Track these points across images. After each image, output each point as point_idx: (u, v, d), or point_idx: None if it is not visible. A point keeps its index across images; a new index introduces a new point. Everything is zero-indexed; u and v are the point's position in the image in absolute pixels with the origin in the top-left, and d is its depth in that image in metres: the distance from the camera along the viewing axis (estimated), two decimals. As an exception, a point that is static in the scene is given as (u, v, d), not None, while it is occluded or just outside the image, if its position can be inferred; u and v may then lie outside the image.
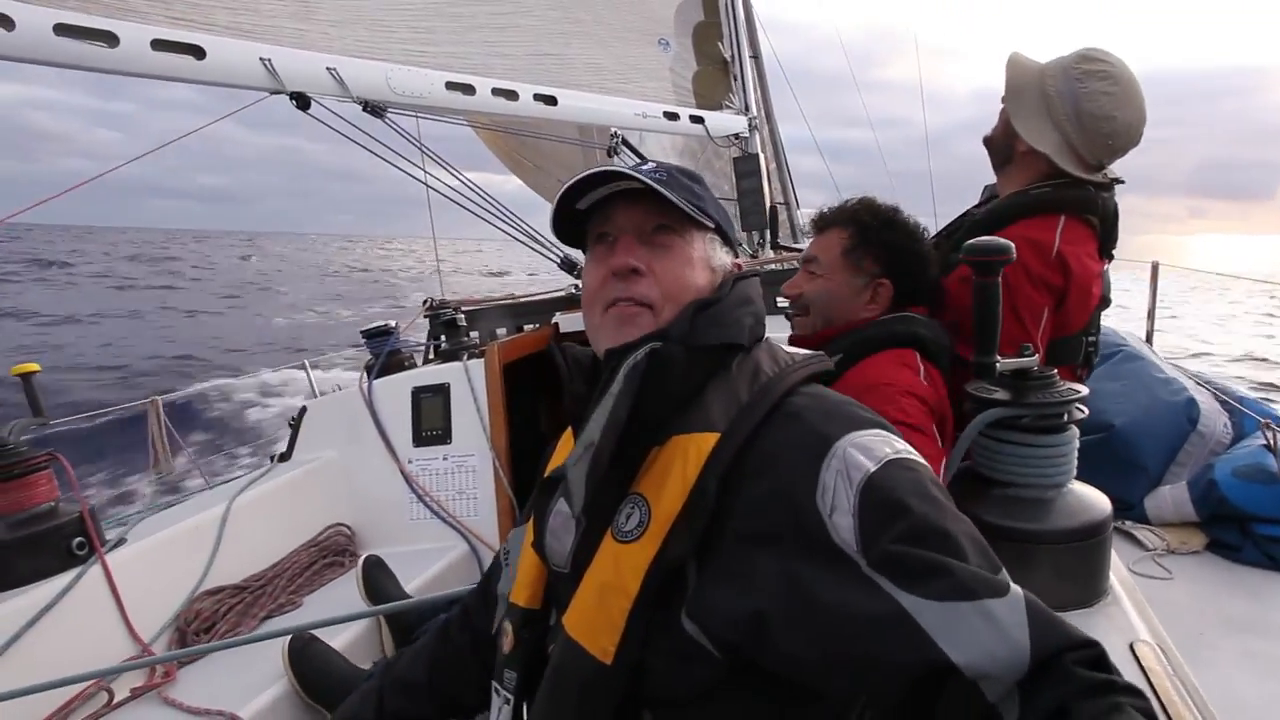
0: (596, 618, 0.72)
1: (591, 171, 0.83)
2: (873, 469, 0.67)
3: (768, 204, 4.28)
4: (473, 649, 1.06)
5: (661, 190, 0.80)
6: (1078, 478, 1.27)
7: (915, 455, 0.72)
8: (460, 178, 2.99)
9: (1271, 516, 1.84)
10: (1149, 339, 3.00)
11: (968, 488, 1.17)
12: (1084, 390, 1.13)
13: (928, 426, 1.18)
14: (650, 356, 0.76)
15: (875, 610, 0.62)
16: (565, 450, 0.93)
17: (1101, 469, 2.03)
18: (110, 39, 2.01)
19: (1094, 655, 0.60)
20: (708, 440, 0.73)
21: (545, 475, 0.89)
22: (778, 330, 1.66)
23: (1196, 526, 1.98)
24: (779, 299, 1.50)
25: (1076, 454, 1.15)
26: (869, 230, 1.38)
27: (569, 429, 0.94)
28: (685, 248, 0.85)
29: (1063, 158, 1.49)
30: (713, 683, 0.71)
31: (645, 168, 0.85)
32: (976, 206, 1.72)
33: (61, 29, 1.92)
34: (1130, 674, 0.93)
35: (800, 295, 1.42)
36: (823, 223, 1.44)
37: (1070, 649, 0.59)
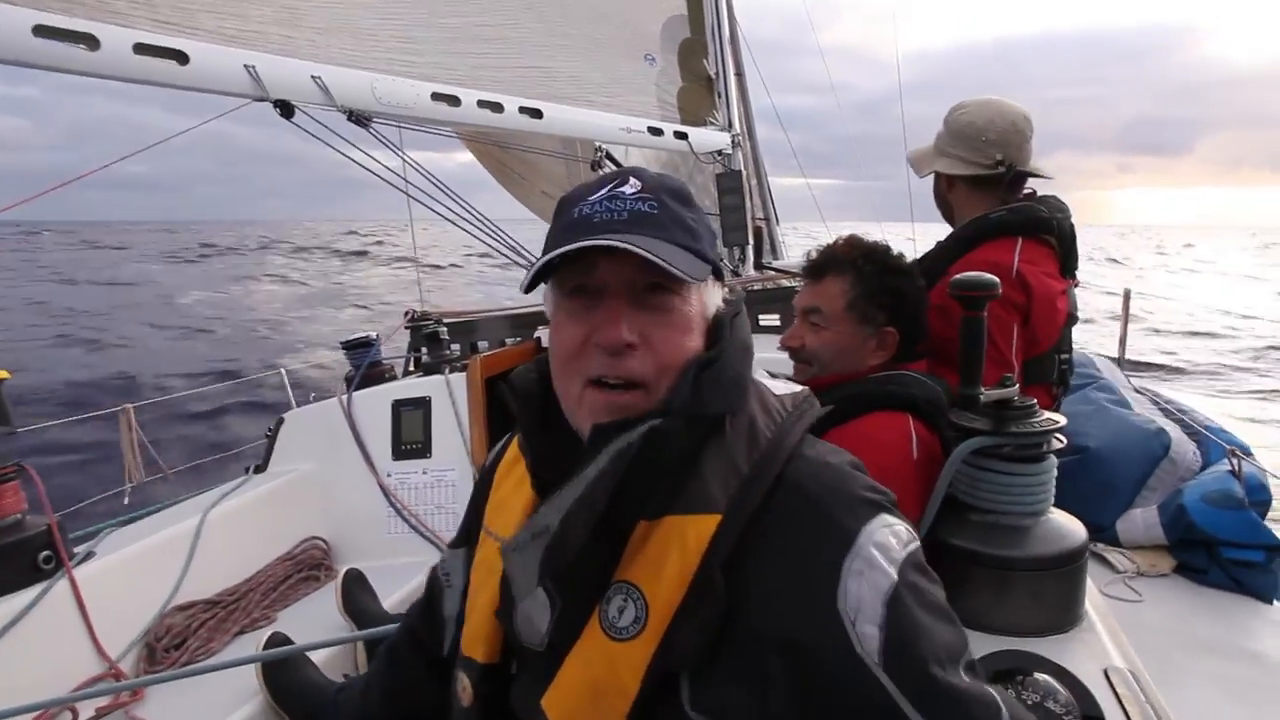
0: (589, 715, 0.68)
1: (581, 244, 0.69)
2: (896, 578, 0.65)
3: (749, 221, 4.33)
4: (426, 669, 1.01)
5: (659, 261, 0.67)
6: (1055, 500, 1.30)
7: (912, 535, 0.71)
8: (444, 189, 2.98)
9: (1237, 541, 1.90)
10: (1120, 364, 3.07)
11: (949, 514, 1.19)
12: (1062, 420, 1.16)
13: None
14: (646, 438, 0.67)
15: None
16: (511, 499, 0.84)
17: (1075, 491, 2.07)
18: (91, 41, 1.97)
19: None
20: (707, 523, 0.67)
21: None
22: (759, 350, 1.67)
23: (1166, 550, 2.03)
24: (779, 349, 1.47)
25: (1054, 482, 1.18)
26: (870, 278, 1.34)
27: (506, 462, 0.89)
28: (684, 309, 0.73)
29: (956, 166, 1.66)
30: None
31: (627, 193, 0.73)
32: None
33: (41, 30, 1.89)
34: (1105, 700, 0.95)
35: (803, 347, 1.38)
36: (817, 271, 1.39)
37: None
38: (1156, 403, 2.50)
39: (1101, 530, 2.06)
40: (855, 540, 0.66)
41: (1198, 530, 1.92)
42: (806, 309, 1.38)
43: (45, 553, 1.60)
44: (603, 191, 0.74)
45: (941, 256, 1.63)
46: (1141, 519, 2.04)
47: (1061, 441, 1.15)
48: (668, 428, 0.67)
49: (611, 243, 0.67)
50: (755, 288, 3.24)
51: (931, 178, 1.77)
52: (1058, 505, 1.19)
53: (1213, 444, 2.18)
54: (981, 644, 1.05)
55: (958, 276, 1.09)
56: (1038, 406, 1.17)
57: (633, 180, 0.75)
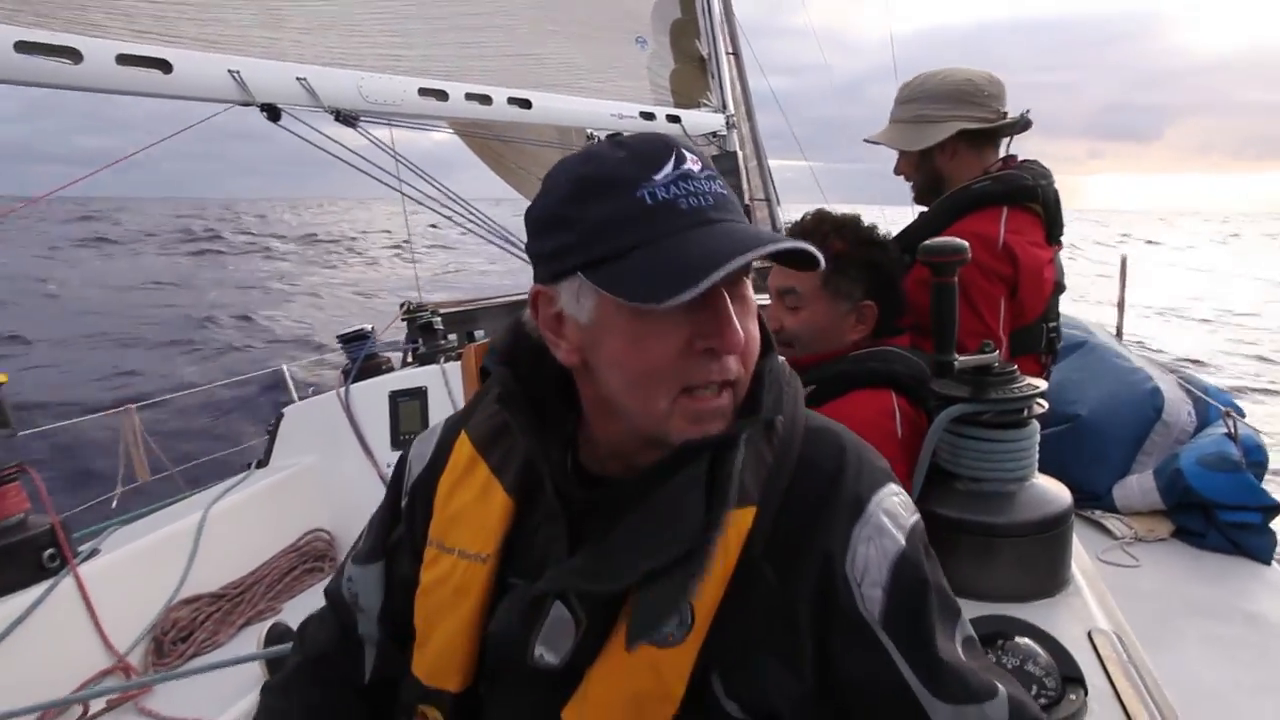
0: None
1: (781, 247, 0.62)
2: (903, 543, 0.66)
3: (748, 202, 4.32)
4: (356, 694, 0.88)
5: (818, 254, 0.62)
6: (1046, 468, 1.29)
7: (916, 512, 0.71)
8: (436, 185, 2.98)
9: (1234, 503, 1.89)
10: (1119, 332, 3.05)
11: (934, 483, 1.19)
12: (1043, 385, 1.15)
13: None
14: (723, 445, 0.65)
15: (897, 702, 0.64)
16: (474, 511, 0.76)
17: (1068, 459, 2.07)
18: (74, 55, 1.96)
19: None
20: (745, 517, 0.65)
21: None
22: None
23: (1163, 514, 2.02)
24: None
25: (1037, 448, 1.17)
26: (842, 254, 1.31)
27: (452, 472, 0.80)
28: (750, 294, 0.68)
29: (970, 123, 1.60)
30: None
31: (698, 174, 0.64)
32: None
33: (23, 46, 1.88)
34: (1087, 661, 0.96)
35: (782, 329, 1.34)
36: None
37: None
38: (1153, 363, 2.47)
39: (1098, 498, 2.06)
40: (866, 508, 0.67)
41: (1194, 494, 1.91)
42: (781, 289, 1.35)
43: (49, 551, 1.63)
44: (666, 170, 0.63)
45: (924, 229, 1.59)
46: (1138, 484, 2.04)
47: (1043, 406, 1.15)
48: (753, 434, 0.66)
49: (806, 246, 0.62)
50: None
51: (892, 159, 1.73)
52: (1052, 473, 1.19)
53: (1209, 405, 2.17)
54: (967, 610, 1.05)
55: (926, 242, 1.09)
56: (1018, 371, 1.17)
57: (688, 155, 0.64)
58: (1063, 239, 1.68)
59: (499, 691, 0.75)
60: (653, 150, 0.63)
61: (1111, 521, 2.01)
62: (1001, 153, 1.68)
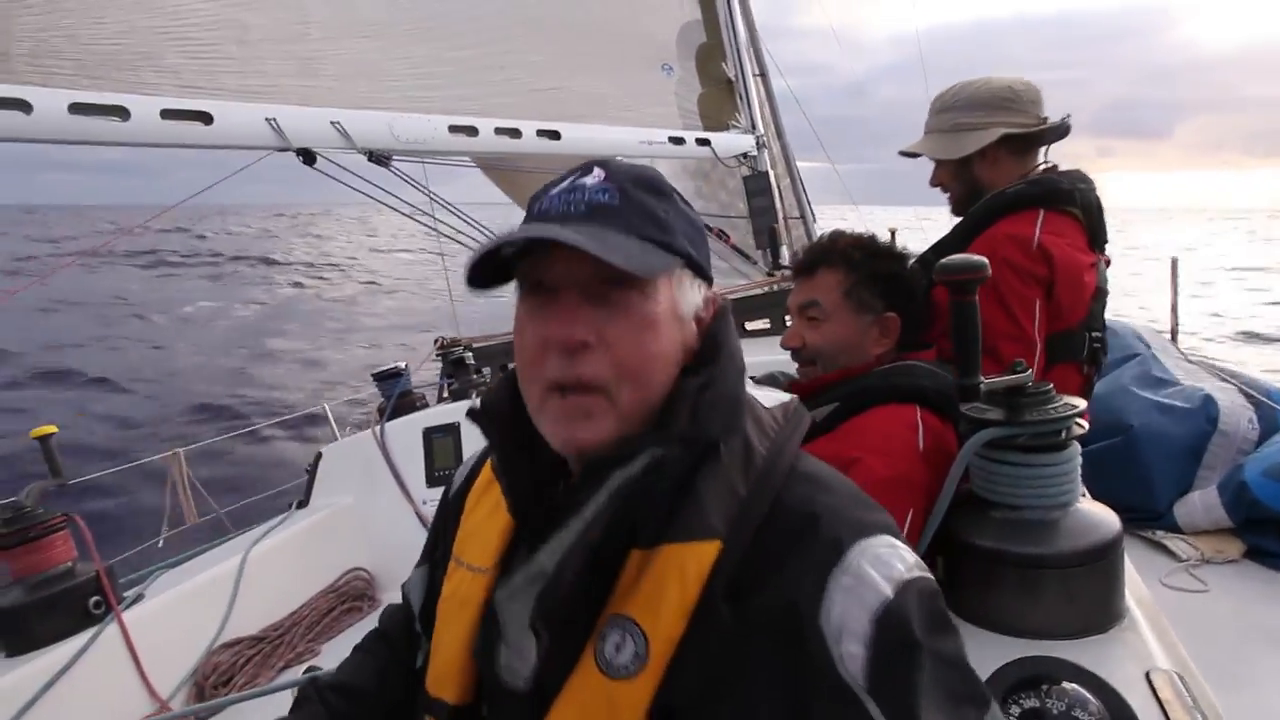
0: None
1: (523, 235, 0.65)
2: (890, 595, 0.60)
3: (781, 220, 4.28)
4: (409, 673, 0.93)
5: (594, 252, 0.60)
6: (1096, 486, 1.21)
7: (925, 571, 0.65)
8: (467, 220, 3.02)
9: (1311, 518, 1.75)
10: (1174, 335, 2.89)
11: (968, 512, 1.13)
12: (1082, 404, 1.09)
13: (895, 493, 1.09)
14: (645, 468, 0.63)
15: None
16: (484, 526, 0.80)
17: (1120, 476, 1.95)
18: (122, 113, 2.06)
19: None
20: (707, 550, 0.63)
21: (494, 572, 0.76)
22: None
23: (1233, 533, 1.88)
24: (782, 345, 1.43)
25: (1079, 471, 1.10)
26: (862, 265, 1.32)
27: (478, 489, 0.85)
28: (645, 305, 0.66)
29: (1013, 128, 1.58)
30: None
31: (588, 184, 0.68)
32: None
33: (76, 108, 1.98)
34: (1144, 706, 0.88)
35: (805, 345, 1.35)
36: (809, 267, 1.37)
37: None
38: (1211, 371, 2.33)
39: (1159, 517, 1.94)
40: (846, 553, 0.61)
41: (1263, 508, 1.78)
42: (803, 305, 1.35)
43: (95, 598, 1.67)
44: (565, 184, 0.69)
45: (960, 236, 1.59)
46: (1200, 501, 1.91)
47: (1083, 427, 1.08)
48: (667, 456, 0.63)
49: (543, 235, 0.63)
50: (743, 294, 3.21)
51: (927, 168, 1.71)
52: (1104, 491, 1.11)
53: (1277, 412, 2.02)
54: (1010, 649, 0.99)
55: (943, 260, 1.04)
56: (1054, 391, 1.10)
57: (596, 170, 0.70)
58: (1107, 247, 1.62)
59: (494, 711, 0.75)
60: (572, 169, 0.71)
61: (1175, 542, 1.89)
62: (1040, 159, 1.65)
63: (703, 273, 0.74)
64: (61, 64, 2.05)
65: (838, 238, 1.37)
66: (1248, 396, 2.09)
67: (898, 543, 0.65)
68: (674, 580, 0.63)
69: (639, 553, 0.65)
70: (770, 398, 0.77)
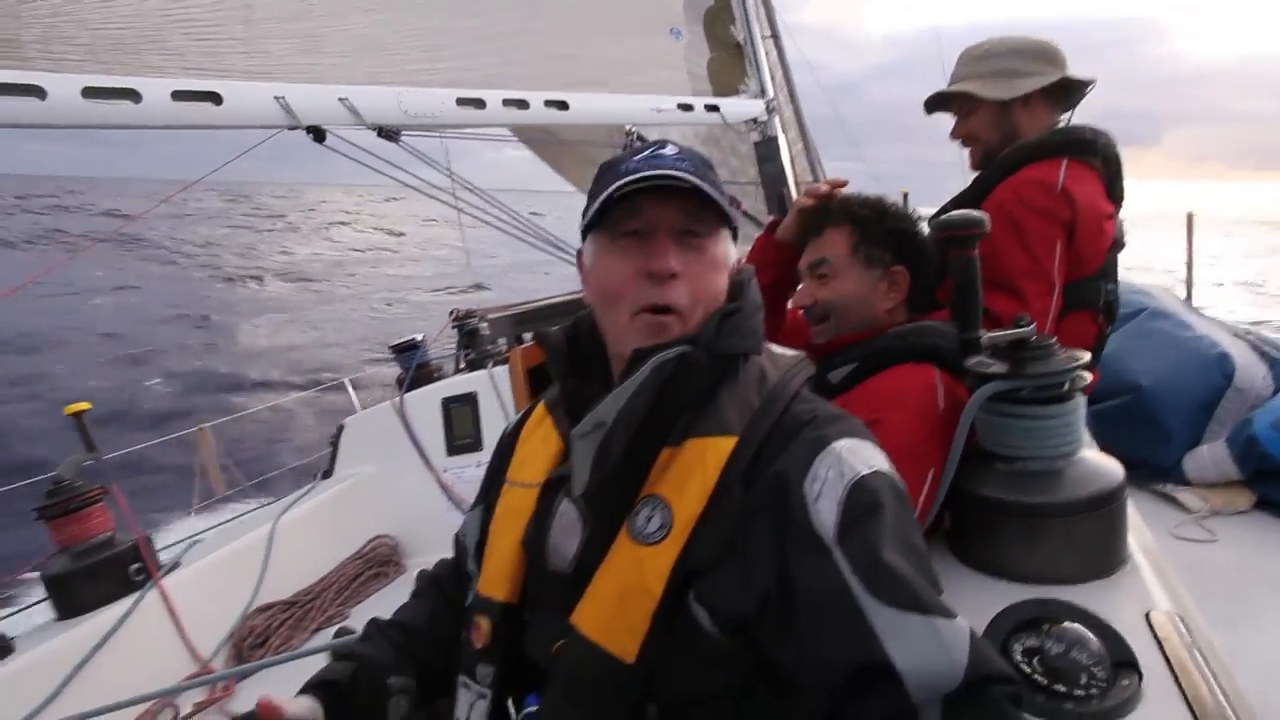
0: (617, 620, 0.73)
1: (643, 175, 0.79)
2: (864, 472, 0.72)
3: (792, 186, 4.24)
4: (459, 610, 1.01)
5: (710, 191, 0.79)
6: (1111, 441, 1.23)
7: (896, 475, 0.76)
8: (484, 196, 3.03)
9: (1320, 469, 1.76)
10: (1189, 293, 2.87)
11: (975, 465, 1.15)
12: (1085, 356, 1.10)
13: (918, 451, 1.13)
14: (678, 360, 0.77)
15: (836, 603, 0.66)
16: (537, 451, 0.92)
17: (1133, 431, 1.96)
18: (134, 95, 2.08)
19: (1017, 692, 0.64)
20: (725, 444, 0.76)
21: (545, 479, 0.87)
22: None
23: (1243, 485, 1.89)
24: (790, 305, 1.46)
25: (1082, 422, 1.12)
26: (868, 222, 1.34)
27: (528, 428, 0.97)
28: (713, 250, 0.84)
29: (1053, 76, 1.60)
30: (722, 679, 0.73)
31: (668, 154, 0.83)
32: None
33: (90, 92, 2.00)
34: (1144, 646, 0.91)
35: (816, 303, 1.36)
36: (815, 228, 1.39)
37: (1000, 681, 0.63)
38: (1225, 328, 2.31)
39: (1169, 470, 1.95)
40: (832, 443, 0.74)
41: (1273, 460, 1.79)
42: (812, 264, 1.37)
43: (135, 565, 1.74)
44: (646, 153, 0.84)
45: (984, 183, 1.61)
46: (1210, 454, 1.92)
47: (1085, 379, 1.10)
48: (695, 357, 0.77)
49: (676, 173, 0.78)
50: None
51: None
52: (1117, 446, 1.13)
53: (1290, 367, 2.02)
54: (1015, 594, 1.02)
55: (941, 217, 1.05)
56: (1057, 344, 1.12)
57: (669, 145, 0.85)
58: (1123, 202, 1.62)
59: (536, 609, 0.86)
60: (643, 145, 0.85)
61: (1185, 495, 1.90)
62: (1063, 120, 1.66)
63: (736, 234, 0.89)
64: (72, 49, 2.06)
65: (847, 196, 1.39)
66: (1261, 353, 2.08)
67: (876, 449, 0.78)
68: (697, 466, 0.75)
69: (668, 450, 0.78)
70: (784, 351, 0.91)
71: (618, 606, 0.74)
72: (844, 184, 1.46)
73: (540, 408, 0.98)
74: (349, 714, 0.94)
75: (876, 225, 1.34)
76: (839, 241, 1.35)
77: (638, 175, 0.79)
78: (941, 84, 1.72)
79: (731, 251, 0.88)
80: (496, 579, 0.88)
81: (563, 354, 0.87)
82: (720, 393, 0.80)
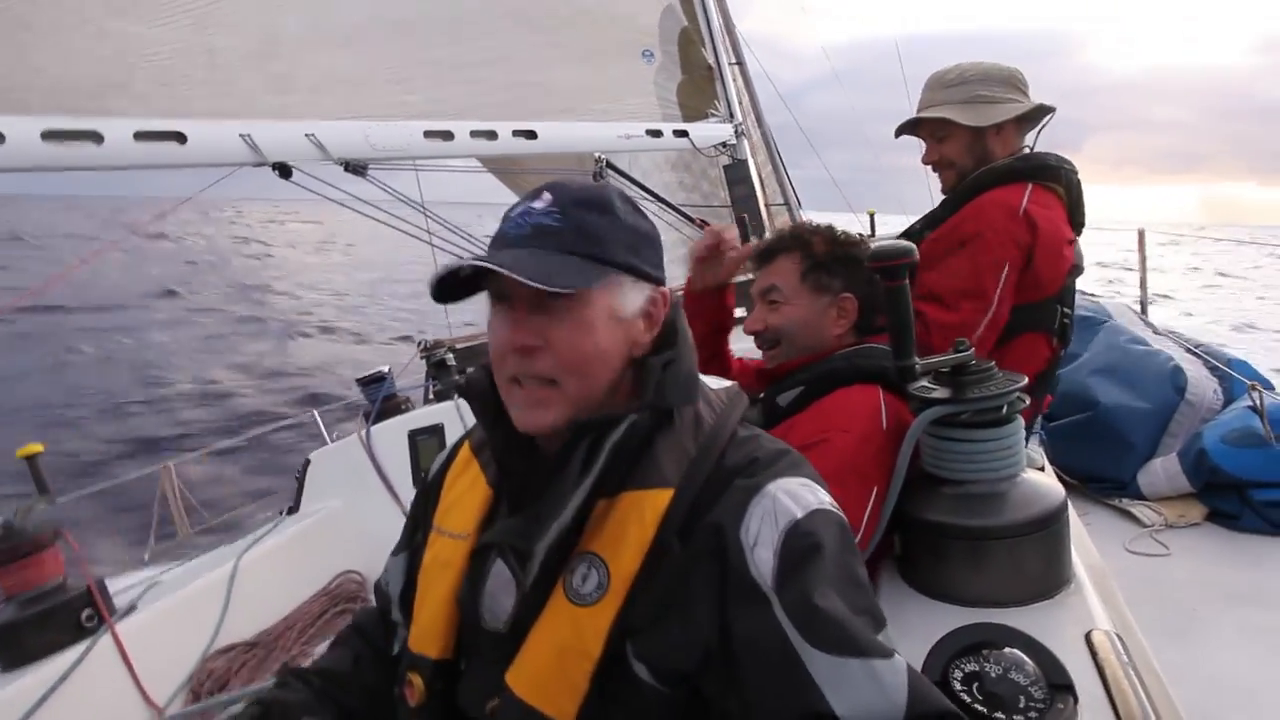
0: (554, 680, 0.73)
1: (453, 266, 0.76)
2: (799, 515, 0.72)
3: (764, 209, 4.29)
4: (382, 659, 1.01)
5: (514, 274, 0.72)
6: (1068, 459, 1.24)
7: (837, 509, 0.76)
8: (456, 231, 3.03)
9: (1268, 480, 1.79)
10: (1143, 308, 2.93)
11: (920, 488, 1.17)
12: (1023, 379, 1.13)
13: (862, 470, 1.16)
14: (629, 428, 0.75)
15: (775, 655, 0.66)
16: (464, 498, 0.90)
17: (1090, 448, 2.00)
18: (96, 137, 2.07)
19: None
20: (662, 497, 0.75)
21: (477, 538, 0.85)
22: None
23: (1195, 498, 1.93)
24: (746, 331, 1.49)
25: (1023, 444, 1.15)
26: (818, 249, 1.38)
27: (454, 469, 0.96)
28: (582, 311, 0.77)
29: (1023, 107, 1.65)
30: None
31: (536, 208, 0.79)
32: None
33: (49, 135, 1.98)
34: (1083, 667, 0.92)
35: (767, 329, 1.40)
36: (767, 254, 1.43)
37: (938, 718, 0.65)
38: (1178, 342, 2.37)
39: (1124, 486, 1.97)
40: (764, 488, 0.74)
41: (1223, 473, 1.82)
42: (763, 290, 1.41)
43: (87, 611, 1.70)
44: (521, 207, 0.81)
45: (949, 208, 1.67)
46: (1162, 468, 1.95)
47: (1025, 401, 1.12)
48: (642, 423, 0.76)
49: (476, 264, 0.74)
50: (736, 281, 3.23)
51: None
52: (1074, 463, 1.15)
53: (1235, 381, 2.06)
54: (960, 618, 1.03)
55: (874, 247, 1.08)
56: (995, 368, 1.14)
57: (545, 194, 0.81)
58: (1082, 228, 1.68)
59: (470, 664, 0.85)
60: (532, 192, 0.82)
61: (1140, 509, 1.93)
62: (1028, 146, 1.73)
63: (647, 275, 0.83)
64: (31, 97, 2.05)
65: (800, 226, 1.44)
66: (1212, 368, 2.13)
67: (814, 484, 0.77)
68: (634, 521, 0.74)
69: (604, 502, 0.76)
70: (716, 382, 0.91)
71: (555, 667, 0.73)
72: (733, 234, 1.52)
73: (466, 449, 0.96)
74: None
75: (826, 253, 1.38)
76: (789, 269, 1.39)
77: (463, 264, 0.76)
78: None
79: (628, 300, 0.81)
80: (429, 635, 0.86)
81: (487, 399, 0.83)
82: (656, 443, 0.78)
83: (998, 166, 1.62)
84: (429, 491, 0.99)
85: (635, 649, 0.72)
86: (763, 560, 0.69)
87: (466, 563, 0.84)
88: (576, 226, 0.78)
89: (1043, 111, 1.68)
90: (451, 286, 0.80)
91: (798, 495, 0.73)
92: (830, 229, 1.42)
